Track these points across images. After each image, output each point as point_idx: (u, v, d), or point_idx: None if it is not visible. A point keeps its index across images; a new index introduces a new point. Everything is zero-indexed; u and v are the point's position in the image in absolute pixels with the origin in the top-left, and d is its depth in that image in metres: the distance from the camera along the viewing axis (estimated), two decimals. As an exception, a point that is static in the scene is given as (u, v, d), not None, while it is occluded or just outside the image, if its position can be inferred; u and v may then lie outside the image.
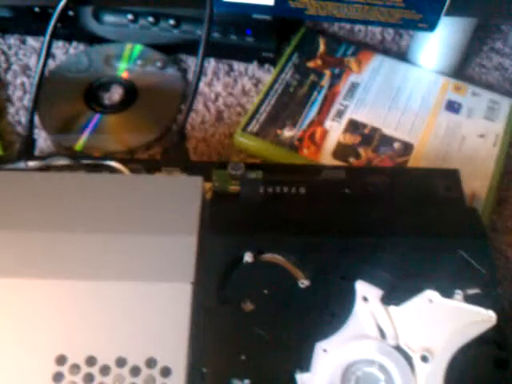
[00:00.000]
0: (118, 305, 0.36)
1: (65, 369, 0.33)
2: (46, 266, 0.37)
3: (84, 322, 0.35)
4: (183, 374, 0.33)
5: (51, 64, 0.59)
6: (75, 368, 0.33)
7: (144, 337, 0.35)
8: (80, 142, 0.54)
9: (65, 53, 0.61)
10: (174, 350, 0.34)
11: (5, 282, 0.36)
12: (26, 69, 0.59)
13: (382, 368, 0.35)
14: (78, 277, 0.36)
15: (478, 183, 0.52)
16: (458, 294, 0.37)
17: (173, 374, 0.33)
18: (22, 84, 0.58)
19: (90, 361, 0.34)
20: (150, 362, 0.34)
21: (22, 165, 0.44)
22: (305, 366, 0.35)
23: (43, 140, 0.54)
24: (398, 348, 0.35)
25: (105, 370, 0.33)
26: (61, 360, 0.34)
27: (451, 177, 0.46)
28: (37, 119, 0.54)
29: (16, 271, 0.37)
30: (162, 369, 0.34)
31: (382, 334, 0.36)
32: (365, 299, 0.37)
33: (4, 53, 0.60)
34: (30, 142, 0.49)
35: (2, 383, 0.33)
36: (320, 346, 0.35)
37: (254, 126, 0.54)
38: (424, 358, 0.35)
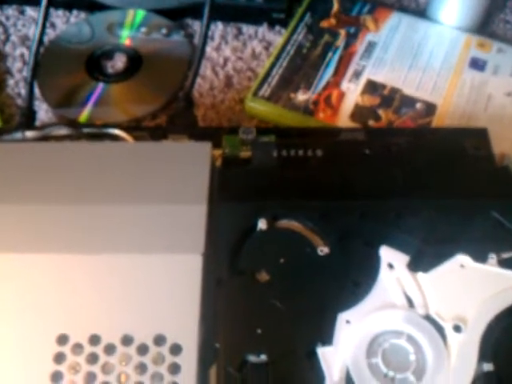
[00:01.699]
0: (123, 279, 0.33)
1: (66, 349, 0.31)
2: (46, 240, 0.35)
3: (87, 298, 0.32)
4: (195, 351, 0.31)
5: (51, 33, 0.57)
6: (78, 348, 0.31)
7: (152, 312, 0.32)
8: (84, 114, 0.52)
9: (65, 22, 0.58)
10: (185, 326, 0.31)
11: (4, 257, 0.34)
12: (25, 40, 0.56)
13: (411, 339, 0.32)
14: (80, 250, 0.34)
15: (506, 143, 0.48)
16: (492, 257, 0.34)
17: (183, 351, 0.31)
18: (22, 55, 0.55)
19: (94, 340, 0.31)
20: (159, 340, 0.31)
21: (19, 135, 0.41)
22: (326, 338, 0.32)
23: (44, 112, 0.51)
24: (427, 317, 0.33)
25: (110, 350, 0.31)
26: (62, 339, 0.31)
27: (479, 136, 0.43)
28: (38, 91, 0.52)
29: (15, 246, 0.34)
30: (172, 346, 0.31)
31: (410, 303, 0.33)
32: (390, 266, 0.34)
33: (2, 24, 0.57)
34: (29, 113, 0.47)
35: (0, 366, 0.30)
36: (342, 317, 0.32)
37: (266, 90, 0.51)
38: (457, 328, 0.32)
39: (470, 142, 0.42)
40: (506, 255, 0.34)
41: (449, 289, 0.33)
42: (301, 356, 0.31)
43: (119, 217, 0.35)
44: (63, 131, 0.42)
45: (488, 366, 0.31)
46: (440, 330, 0.32)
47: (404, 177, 0.38)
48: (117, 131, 0.42)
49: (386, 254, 0.34)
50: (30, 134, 0.41)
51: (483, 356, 0.31)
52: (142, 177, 0.37)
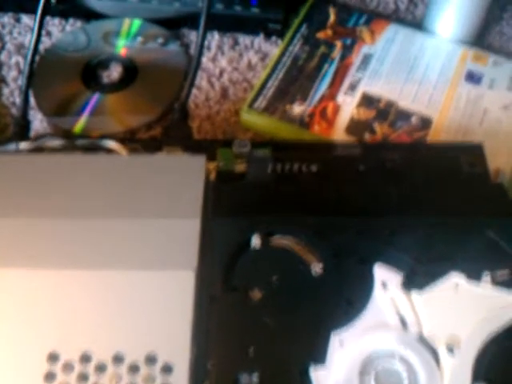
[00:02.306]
0: (114, 296, 0.33)
1: (57, 367, 0.30)
2: (36, 255, 0.34)
3: (77, 315, 0.32)
4: (186, 370, 0.30)
5: (47, 42, 0.56)
6: (68, 366, 0.31)
7: (143, 330, 0.32)
8: (79, 124, 0.51)
9: (61, 30, 0.57)
10: (176, 344, 0.31)
11: (-5, 272, 0.33)
12: (20, 48, 0.56)
13: (404, 360, 0.32)
14: (70, 266, 0.34)
15: (502, 159, 0.48)
16: (487, 276, 0.34)
17: (175, 370, 0.30)
18: (17, 64, 0.55)
19: (85, 358, 0.31)
20: (150, 359, 0.31)
21: (12, 147, 0.41)
22: (319, 358, 0.32)
23: (39, 122, 0.51)
24: (421, 338, 0.32)
25: (100, 369, 0.31)
26: (53, 358, 0.31)
27: (475, 152, 0.43)
28: (33, 101, 0.51)
29: (5, 261, 0.34)
30: (164, 366, 0.31)
31: (404, 323, 0.33)
32: (384, 285, 0.34)
33: (-3, 32, 0.57)
34: (24, 123, 0.46)
35: (-12, 384, 0.30)
36: (336, 337, 0.32)
37: (262, 102, 0.50)
38: (450, 349, 0.32)
39: (466, 158, 0.42)
40: (500, 274, 0.34)
41: (442, 309, 0.33)
42: (293, 376, 0.31)
43: (111, 231, 0.35)
44: (57, 142, 0.42)
45: (481, 387, 0.31)
46: (433, 350, 0.32)
47: (399, 193, 0.38)
48: (111, 143, 0.42)
49: (380, 272, 0.34)
50: (23, 145, 0.41)
51: (476, 377, 0.31)
52: (135, 190, 0.37)
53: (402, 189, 0.38)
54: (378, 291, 0.34)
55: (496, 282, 0.34)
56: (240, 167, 0.41)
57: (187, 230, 0.35)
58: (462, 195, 0.38)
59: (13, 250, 0.34)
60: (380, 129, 0.49)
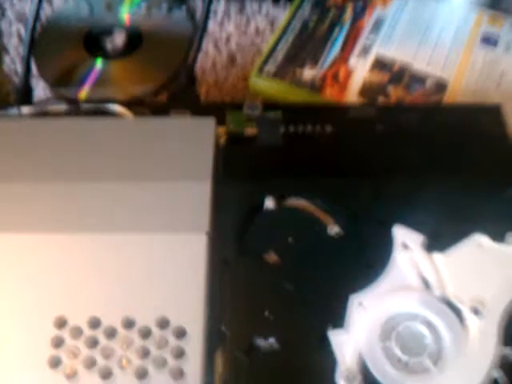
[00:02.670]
0: (125, 260, 0.31)
1: (65, 332, 0.29)
2: (44, 220, 0.33)
3: (86, 279, 0.31)
4: (200, 334, 0.29)
5: (48, 10, 0.54)
6: (76, 331, 0.29)
7: (154, 294, 0.30)
8: (83, 93, 0.50)
9: (63, -2, 0.56)
10: (189, 308, 0.30)
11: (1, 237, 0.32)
12: (21, 16, 0.54)
13: (427, 322, 0.30)
14: (79, 230, 0.32)
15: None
16: (511, 236, 0.33)
17: (188, 334, 0.29)
18: (18, 32, 0.53)
19: (94, 323, 0.30)
20: (162, 323, 0.30)
21: (15, 111, 0.39)
22: (338, 321, 0.30)
23: (42, 90, 0.49)
24: (444, 300, 0.31)
25: (110, 333, 0.29)
26: (60, 322, 0.30)
27: (493, 113, 0.41)
28: (35, 69, 0.50)
29: (13, 226, 0.33)
30: (176, 329, 0.29)
31: (426, 285, 0.31)
32: (405, 246, 0.32)
33: (-3, 0, 0.55)
34: (25, 90, 0.45)
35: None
36: (355, 299, 0.31)
37: (271, 67, 0.49)
38: (475, 310, 0.31)
39: (484, 119, 0.40)
40: (525, 234, 0.33)
41: (466, 270, 0.32)
42: (311, 340, 0.30)
43: (120, 195, 0.34)
44: (61, 107, 0.40)
45: (508, 350, 0.30)
46: (457, 312, 0.31)
47: (418, 155, 0.36)
48: (117, 107, 0.40)
49: (400, 233, 0.33)
50: (26, 109, 0.39)
51: (503, 340, 0.30)
52: (143, 153, 0.36)
53: (420, 150, 0.37)
54: (398, 253, 0.32)
55: (521, 243, 0.33)
56: (251, 130, 0.39)
57: (198, 193, 0.34)
58: (482, 156, 0.37)
59: (21, 214, 0.33)
60: (394, 92, 0.47)
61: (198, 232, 0.32)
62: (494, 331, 0.30)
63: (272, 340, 0.30)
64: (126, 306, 0.30)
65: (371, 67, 0.49)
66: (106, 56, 0.52)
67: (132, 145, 0.36)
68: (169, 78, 0.49)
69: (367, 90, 0.47)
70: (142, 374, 0.28)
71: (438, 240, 0.33)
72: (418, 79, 0.48)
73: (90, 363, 0.29)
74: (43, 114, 0.40)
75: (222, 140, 0.39)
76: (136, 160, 0.35)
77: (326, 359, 0.29)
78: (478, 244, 0.32)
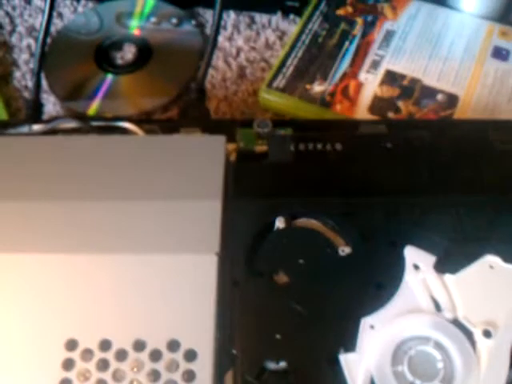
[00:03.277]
0: (135, 281, 0.31)
1: (76, 354, 0.29)
2: (55, 239, 0.33)
3: (97, 300, 0.31)
4: (210, 357, 0.29)
5: (58, 24, 0.55)
6: (87, 353, 0.29)
7: (165, 316, 0.30)
8: (93, 107, 0.50)
9: (73, 11, 0.56)
10: (200, 331, 0.30)
11: (12, 257, 0.32)
12: (31, 30, 0.55)
13: (439, 345, 0.30)
14: (89, 250, 0.32)
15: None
16: (524, 258, 0.32)
17: (199, 357, 0.29)
18: (28, 46, 0.54)
19: (104, 345, 0.30)
20: (173, 345, 0.30)
21: (25, 129, 0.39)
22: (349, 344, 0.30)
23: (52, 105, 0.49)
24: (455, 322, 0.31)
25: (121, 355, 0.29)
26: (71, 345, 0.30)
27: (506, 128, 0.41)
28: (45, 84, 0.50)
29: (24, 245, 0.33)
30: (187, 352, 0.29)
31: (437, 307, 0.31)
32: (416, 267, 0.32)
33: (8, 14, 0.56)
34: (36, 106, 0.45)
35: (5, 372, 0.29)
36: (366, 322, 0.31)
37: (281, 81, 0.49)
38: (486, 333, 0.30)
39: (496, 135, 0.40)
40: (537, 255, 0.32)
41: (478, 291, 0.32)
42: (322, 363, 0.30)
43: (130, 214, 0.34)
44: (71, 124, 0.40)
45: (520, 374, 0.29)
46: (469, 335, 0.30)
47: (428, 172, 0.36)
48: (127, 124, 0.40)
49: (412, 254, 0.32)
50: (36, 127, 0.39)
51: (515, 363, 0.30)
52: (153, 171, 0.36)
53: (431, 167, 0.37)
54: (409, 274, 0.32)
55: (534, 264, 0.32)
56: (261, 148, 0.39)
57: (209, 213, 0.34)
58: (495, 173, 0.37)
59: (30, 234, 0.33)
60: (405, 107, 0.47)
61: (209, 253, 0.32)
62: (507, 353, 0.30)
63: (283, 363, 0.30)
64: (137, 327, 0.30)
65: (381, 82, 0.49)
66: (117, 70, 0.52)
67: (141, 163, 0.36)
68: (179, 93, 0.50)
69: (377, 105, 0.47)
70: (152, 396, 0.28)
71: (450, 261, 0.32)
72: (429, 94, 0.48)
73: (101, 386, 0.28)
74: (54, 132, 0.40)
75: (232, 157, 0.39)
76: (145, 178, 0.35)
77: (337, 382, 0.29)
78: (490, 265, 0.32)
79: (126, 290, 0.31)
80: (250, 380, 0.29)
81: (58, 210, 0.34)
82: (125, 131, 0.40)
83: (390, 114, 0.47)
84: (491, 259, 0.32)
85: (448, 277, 0.32)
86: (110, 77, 0.52)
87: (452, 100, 0.48)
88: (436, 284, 0.32)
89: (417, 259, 0.32)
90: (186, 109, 0.46)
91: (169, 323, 0.30)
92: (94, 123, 0.41)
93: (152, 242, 0.33)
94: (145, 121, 0.43)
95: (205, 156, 0.36)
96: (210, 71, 0.51)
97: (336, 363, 0.30)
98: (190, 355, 0.29)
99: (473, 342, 0.30)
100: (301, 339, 0.30)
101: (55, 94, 0.51)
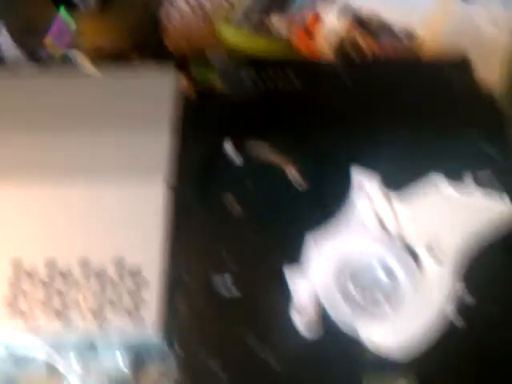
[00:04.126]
0: (84, 204, 0.32)
1: (22, 273, 0.29)
2: (7, 168, 0.33)
3: (44, 221, 0.31)
4: (157, 274, 0.29)
5: (12, -40, 0.53)
6: (33, 272, 0.29)
7: (112, 237, 0.31)
8: (47, 43, 0.49)
9: None
10: (146, 251, 0.30)
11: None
12: (-16, -33, 0.53)
13: (383, 262, 0.31)
14: (40, 174, 0.32)
15: (492, 74, 0.46)
16: (468, 177, 0.33)
17: (145, 275, 0.30)
18: (-19, -17, 0.52)
19: (51, 263, 0.30)
20: (119, 264, 0.30)
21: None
22: (295, 259, 0.31)
23: (4, 41, 0.48)
24: (399, 239, 0.31)
25: (67, 273, 0.29)
26: (17, 263, 0.29)
27: (463, 66, 0.41)
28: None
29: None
30: (133, 270, 0.30)
31: (382, 225, 0.32)
32: (361, 187, 0.32)
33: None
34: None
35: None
36: (312, 238, 0.31)
37: (238, 15, 0.48)
38: (430, 250, 0.31)
39: (454, 72, 0.40)
40: (482, 175, 0.33)
41: (422, 210, 0.32)
42: (268, 276, 0.30)
43: (83, 144, 0.34)
44: (24, 62, 0.40)
45: (462, 288, 0.30)
46: (412, 251, 0.31)
47: (384, 107, 0.36)
48: (80, 59, 0.40)
49: (359, 175, 0.33)
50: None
51: (457, 278, 0.30)
52: (105, 103, 0.36)
53: (387, 103, 0.37)
54: (355, 194, 0.32)
55: (477, 184, 0.33)
56: (216, 82, 0.39)
57: (158, 142, 0.34)
58: (449, 105, 0.37)
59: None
60: (364, 42, 0.47)
61: (157, 179, 0.32)
62: (449, 270, 0.30)
63: (229, 279, 0.30)
64: (84, 247, 0.30)
65: (340, 16, 0.48)
66: (72, 7, 0.51)
67: (94, 95, 0.36)
68: (133, 27, 0.49)
69: (336, 40, 0.47)
70: (98, 313, 0.28)
71: (396, 180, 0.33)
72: (388, 29, 0.48)
73: (47, 303, 0.29)
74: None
75: (187, 90, 0.39)
76: (98, 110, 0.35)
77: (282, 296, 0.30)
78: (435, 184, 0.33)
79: (75, 212, 0.31)
80: (196, 296, 0.30)
81: (10, 140, 0.34)
82: (77, 65, 0.40)
83: (349, 49, 0.47)
84: (437, 178, 0.33)
85: (394, 195, 0.32)
86: (64, 14, 0.51)
87: (411, 36, 0.48)
88: (381, 202, 0.32)
89: (363, 179, 0.33)
90: (141, 44, 0.46)
91: (116, 243, 0.30)
92: (46, 54, 0.40)
93: (104, 169, 0.33)
94: (98, 56, 0.42)
95: (157, 88, 0.36)
96: (168, 6, 0.50)
97: (281, 277, 0.30)
98: (137, 273, 0.29)
99: (416, 258, 0.31)
100: (248, 256, 0.31)
101: (9, 32, 0.49)
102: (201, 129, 0.35)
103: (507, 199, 0.32)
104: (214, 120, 0.36)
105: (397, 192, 0.32)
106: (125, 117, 0.35)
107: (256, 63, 0.40)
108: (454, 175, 0.33)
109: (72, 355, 0.29)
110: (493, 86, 0.46)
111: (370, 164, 0.33)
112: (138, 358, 0.31)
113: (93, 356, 0.31)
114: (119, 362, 0.31)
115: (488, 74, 0.45)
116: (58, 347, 0.28)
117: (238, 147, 0.34)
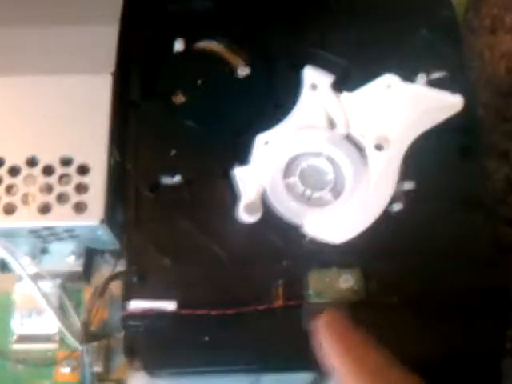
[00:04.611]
0: (29, 100, 0.31)
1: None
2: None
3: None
4: (103, 170, 0.29)
5: None
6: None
7: (59, 134, 0.30)
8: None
9: None
10: (93, 147, 0.30)
11: None
12: None
13: (330, 159, 0.31)
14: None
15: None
16: (421, 77, 0.33)
17: (92, 171, 0.29)
18: None
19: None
20: (66, 160, 0.30)
21: None
22: (244, 159, 0.31)
23: None
24: (348, 137, 0.31)
25: (14, 171, 0.29)
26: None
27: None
28: None
29: None
30: (80, 166, 0.29)
31: (332, 124, 0.32)
32: (313, 87, 0.32)
33: None
34: None
35: None
36: (261, 138, 0.31)
37: None
38: (378, 147, 0.31)
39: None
40: (435, 75, 0.33)
41: (374, 109, 0.32)
42: (216, 176, 0.30)
43: (28, 38, 0.33)
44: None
45: (409, 185, 0.30)
46: (361, 149, 0.31)
47: (335, 3, 0.35)
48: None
49: (310, 74, 0.32)
50: None
51: (405, 175, 0.31)
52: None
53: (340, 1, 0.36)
54: (306, 93, 0.32)
55: (431, 83, 0.33)
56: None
57: (105, 36, 0.33)
58: (403, 5, 0.36)
59: None
60: None
61: (103, 73, 0.31)
62: (397, 167, 0.31)
63: (177, 177, 0.30)
64: (30, 145, 0.30)
65: None
66: None
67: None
68: None
69: None
70: (45, 208, 0.29)
71: (349, 81, 0.32)
72: None
73: (-4, 199, 0.29)
74: None
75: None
76: (46, 4, 0.34)
77: (230, 194, 0.30)
78: (388, 84, 0.32)
79: (21, 109, 0.31)
80: (144, 193, 0.30)
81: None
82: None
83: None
84: (390, 78, 0.32)
85: (345, 95, 0.32)
86: None
87: None
88: (332, 102, 0.32)
89: (315, 79, 0.32)
90: None
91: (62, 140, 0.30)
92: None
93: (49, 64, 0.32)
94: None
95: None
96: None
97: (230, 177, 0.30)
98: (83, 169, 0.29)
99: (365, 156, 0.31)
100: (196, 155, 0.31)
101: None
102: (149, 23, 0.34)
103: (460, 98, 0.32)
104: (163, 15, 0.35)
105: (349, 92, 0.32)
106: (72, 9, 0.34)
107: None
108: (407, 75, 0.32)
109: (24, 255, 0.30)
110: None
111: (322, 64, 0.32)
112: (89, 255, 0.32)
113: (45, 255, 0.32)
114: (71, 259, 0.31)
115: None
116: (9, 247, 0.29)
117: (187, 44, 0.33)
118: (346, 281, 0.28)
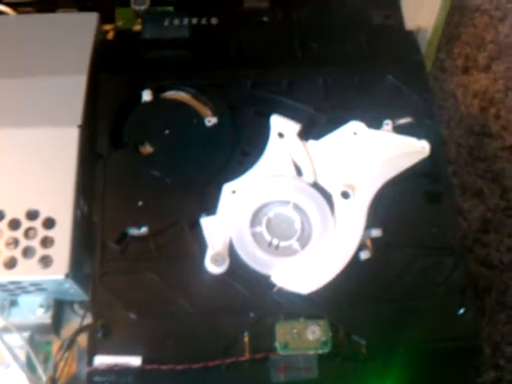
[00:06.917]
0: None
1: None
2: None
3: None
4: (69, 224, 0.29)
5: None
6: None
7: (25, 187, 0.30)
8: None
9: None
10: (59, 200, 0.30)
11: None
12: None
13: (297, 207, 0.31)
14: None
15: (423, 16, 0.46)
16: (387, 124, 0.33)
17: (57, 224, 0.29)
18: None
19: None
20: (32, 214, 0.30)
21: None
22: (211, 209, 0.31)
23: None
24: (315, 185, 0.31)
25: (-19, 224, 0.29)
26: None
27: (390, 4, 0.40)
28: None
29: None
30: (46, 220, 0.29)
31: (299, 172, 0.32)
32: (280, 135, 0.32)
33: None
34: None
35: None
36: (228, 187, 0.31)
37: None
38: (345, 195, 0.31)
39: (380, 11, 0.40)
40: (402, 121, 0.33)
41: (340, 156, 0.32)
42: (183, 227, 0.30)
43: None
44: None
45: (376, 232, 0.30)
46: (328, 197, 0.31)
47: (303, 45, 0.36)
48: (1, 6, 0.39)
49: (277, 122, 0.33)
50: None
51: (372, 222, 0.31)
52: (24, 49, 0.35)
53: (305, 41, 0.36)
54: (273, 141, 0.32)
55: (397, 130, 0.33)
56: (139, 27, 0.38)
57: (73, 87, 0.33)
58: (370, 44, 0.36)
59: None
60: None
61: (70, 125, 0.31)
62: (363, 214, 0.31)
63: (144, 228, 0.30)
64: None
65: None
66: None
67: (13, 40, 0.35)
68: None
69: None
70: (10, 263, 0.28)
71: (315, 129, 0.33)
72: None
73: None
74: None
75: (110, 35, 0.38)
76: (15, 56, 0.34)
77: (197, 245, 0.30)
78: (354, 131, 0.33)
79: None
80: (110, 245, 0.29)
81: None
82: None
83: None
84: (355, 125, 0.33)
85: (311, 143, 0.32)
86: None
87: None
88: (298, 150, 0.32)
89: (281, 127, 0.32)
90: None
91: (28, 193, 0.30)
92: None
93: (14, 117, 0.32)
94: (21, 4, 0.41)
95: (75, 32, 0.35)
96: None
97: (197, 227, 0.30)
98: (49, 223, 0.29)
99: (331, 204, 0.31)
100: (163, 206, 0.31)
101: None
102: (118, 74, 0.34)
103: (426, 144, 0.32)
104: (133, 65, 0.35)
105: (316, 139, 0.32)
106: (41, 60, 0.34)
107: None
108: (373, 122, 0.33)
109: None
110: (423, 31, 0.46)
111: (289, 113, 0.33)
112: (59, 307, 0.32)
113: (13, 307, 0.31)
114: (40, 312, 0.31)
115: (419, 18, 0.45)
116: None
117: (154, 95, 0.34)
118: (313, 332, 0.28)
